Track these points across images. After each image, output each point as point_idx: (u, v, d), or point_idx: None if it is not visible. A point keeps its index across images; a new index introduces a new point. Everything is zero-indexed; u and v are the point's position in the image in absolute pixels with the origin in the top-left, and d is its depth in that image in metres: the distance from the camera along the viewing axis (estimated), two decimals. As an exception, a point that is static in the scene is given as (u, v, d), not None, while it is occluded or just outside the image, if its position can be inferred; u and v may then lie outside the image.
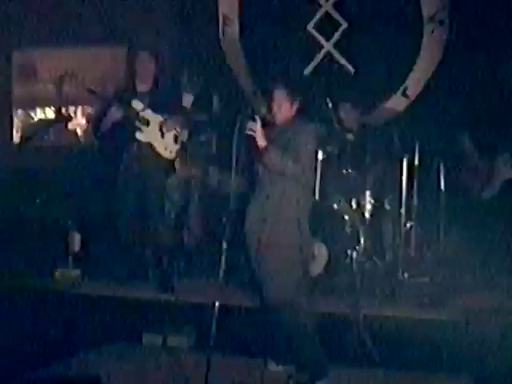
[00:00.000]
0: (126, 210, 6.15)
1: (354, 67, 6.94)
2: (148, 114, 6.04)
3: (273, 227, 4.39)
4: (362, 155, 6.15)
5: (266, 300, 4.46)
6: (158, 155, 6.08)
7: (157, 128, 6.06)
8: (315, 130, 4.57)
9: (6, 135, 7.91)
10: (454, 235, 6.02)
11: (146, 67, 6.09)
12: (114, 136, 6.16)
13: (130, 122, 6.00)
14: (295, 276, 4.42)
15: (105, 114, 6.04)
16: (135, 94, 6.09)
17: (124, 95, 6.10)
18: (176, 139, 6.14)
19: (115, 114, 5.95)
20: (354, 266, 5.63)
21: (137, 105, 6.03)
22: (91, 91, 6.14)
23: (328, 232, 5.96)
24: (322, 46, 7.04)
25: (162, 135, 6.09)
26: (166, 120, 6.04)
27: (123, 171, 6.14)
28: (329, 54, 7.03)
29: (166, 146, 6.10)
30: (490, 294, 5.52)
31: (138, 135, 6.03)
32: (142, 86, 6.12)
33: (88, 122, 7.49)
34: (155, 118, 6.07)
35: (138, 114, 6.00)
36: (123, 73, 7.21)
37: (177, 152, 6.16)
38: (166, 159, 6.12)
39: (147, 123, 6.04)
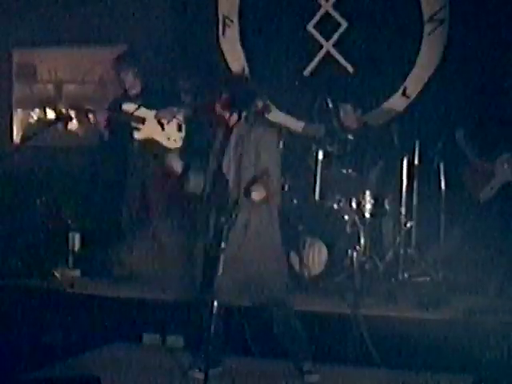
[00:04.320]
0: (129, 208, 6.24)
1: (353, 67, 6.93)
2: (143, 111, 6.15)
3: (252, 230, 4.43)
4: (362, 155, 6.15)
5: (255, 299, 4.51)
6: (162, 148, 6.16)
7: (155, 122, 6.17)
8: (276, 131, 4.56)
9: (6, 135, 7.91)
10: (454, 235, 6.02)
11: (128, 77, 6.26)
12: (113, 137, 6.24)
13: (125, 124, 6.10)
14: (280, 276, 4.49)
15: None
16: (128, 98, 6.21)
17: (118, 98, 6.23)
18: (180, 127, 6.23)
19: (100, 118, 6.13)
20: (354, 266, 5.63)
21: (128, 107, 6.15)
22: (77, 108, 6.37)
23: (328, 232, 5.96)
24: (321, 46, 7.03)
25: (162, 128, 6.18)
26: (159, 112, 6.13)
27: (127, 171, 6.25)
28: (329, 54, 7.03)
29: (169, 136, 6.21)
30: (490, 294, 5.52)
31: (136, 134, 6.15)
32: (132, 91, 6.28)
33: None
34: (150, 114, 6.17)
35: (132, 114, 6.12)
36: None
37: (182, 140, 6.23)
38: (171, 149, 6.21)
39: (143, 121, 6.15)
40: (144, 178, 6.27)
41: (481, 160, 5.80)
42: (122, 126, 6.22)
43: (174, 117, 6.22)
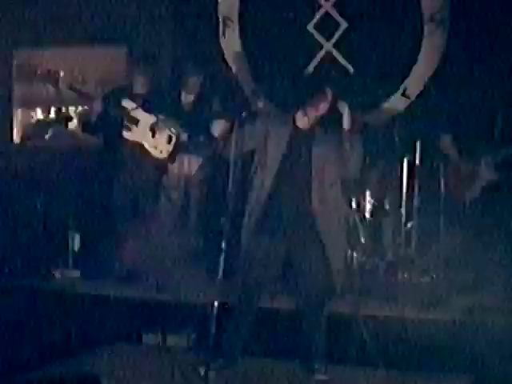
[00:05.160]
0: (123, 210, 6.23)
1: (353, 67, 6.93)
2: (139, 113, 6.14)
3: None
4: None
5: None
6: (149, 154, 6.16)
7: (147, 127, 6.17)
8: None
9: (6, 135, 7.91)
10: (453, 235, 6.02)
11: (144, 77, 6.23)
12: (111, 135, 6.24)
13: (119, 121, 6.10)
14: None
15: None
16: (131, 95, 6.19)
17: (119, 94, 6.21)
18: (170, 139, 6.21)
19: (97, 108, 6.07)
20: (354, 265, 5.63)
21: (128, 104, 6.14)
22: (74, 89, 6.24)
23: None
24: (321, 46, 7.04)
25: (153, 135, 6.17)
26: (158, 120, 6.13)
27: (118, 170, 6.25)
28: (329, 54, 7.03)
29: (157, 146, 6.19)
30: (490, 294, 5.52)
31: (125, 134, 6.14)
32: (136, 89, 6.25)
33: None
34: (147, 118, 6.15)
35: (128, 113, 6.11)
36: (123, 73, 7.21)
37: (170, 152, 6.22)
38: (157, 159, 6.21)
39: (136, 123, 6.14)
40: (136, 179, 6.27)
41: (465, 161, 5.82)
42: (116, 120, 6.21)
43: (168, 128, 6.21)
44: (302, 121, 4.66)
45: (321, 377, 4.58)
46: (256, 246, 4.52)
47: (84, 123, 6.57)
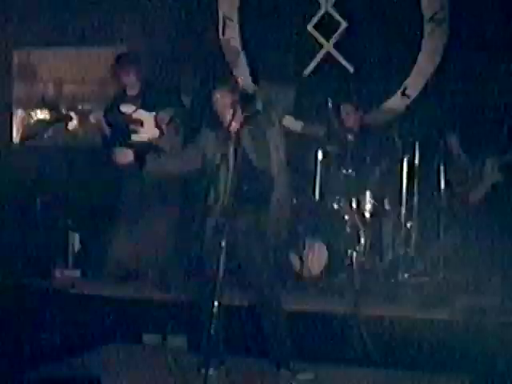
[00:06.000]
0: (123, 209, 6.23)
1: (353, 67, 6.94)
2: (140, 114, 6.13)
3: None
4: (361, 155, 6.15)
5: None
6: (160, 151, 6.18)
7: (153, 125, 6.15)
8: None
9: (6, 135, 7.91)
10: (453, 235, 6.02)
11: (129, 77, 6.24)
12: (112, 137, 6.24)
13: (123, 126, 6.10)
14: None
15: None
16: (126, 98, 6.20)
17: (115, 100, 6.22)
18: (177, 131, 6.20)
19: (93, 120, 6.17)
20: (354, 265, 5.64)
21: (127, 108, 6.13)
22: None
23: (328, 232, 5.96)
24: (321, 46, 7.04)
25: (162, 132, 6.16)
26: (157, 114, 6.12)
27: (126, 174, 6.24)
28: (329, 54, 7.03)
29: (167, 141, 6.18)
30: (490, 294, 5.52)
31: (134, 137, 6.13)
32: (131, 91, 6.24)
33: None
34: (149, 117, 6.15)
35: (130, 116, 6.11)
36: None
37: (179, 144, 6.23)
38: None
39: (141, 124, 6.13)
40: (142, 180, 6.26)
41: (471, 162, 5.83)
42: (121, 126, 6.21)
43: (171, 118, 6.19)
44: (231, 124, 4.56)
45: (304, 376, 4.53)
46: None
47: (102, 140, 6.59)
